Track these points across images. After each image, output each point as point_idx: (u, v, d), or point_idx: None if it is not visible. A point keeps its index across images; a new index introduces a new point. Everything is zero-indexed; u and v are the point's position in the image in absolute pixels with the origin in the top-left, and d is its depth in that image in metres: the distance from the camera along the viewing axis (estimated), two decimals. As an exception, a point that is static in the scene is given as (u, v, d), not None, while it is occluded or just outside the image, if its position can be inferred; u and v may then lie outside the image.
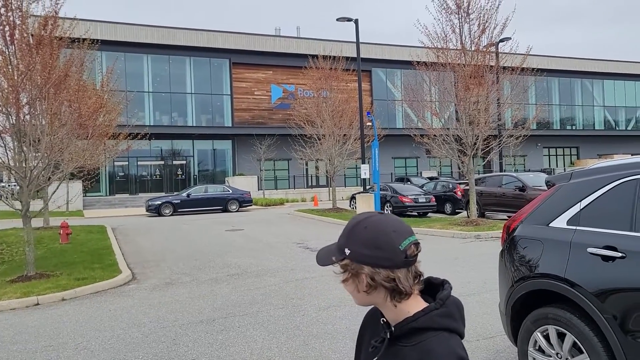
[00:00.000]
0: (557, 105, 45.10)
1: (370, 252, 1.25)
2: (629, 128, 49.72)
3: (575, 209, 3.43)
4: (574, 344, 3.30)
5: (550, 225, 3.57)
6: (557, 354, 3.43)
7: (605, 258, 3.10)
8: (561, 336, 3.39)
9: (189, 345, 5.50)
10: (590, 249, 3.19)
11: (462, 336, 1.28)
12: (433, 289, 1.35)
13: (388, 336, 1.31)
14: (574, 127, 47.60)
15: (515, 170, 34.48)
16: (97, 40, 14.56)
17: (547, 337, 3.47)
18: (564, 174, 3.73)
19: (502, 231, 4.04)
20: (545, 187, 14.08)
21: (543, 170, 35.24)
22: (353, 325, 5.92)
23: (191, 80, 36.88)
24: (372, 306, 1.43)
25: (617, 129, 49.19)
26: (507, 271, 3.86)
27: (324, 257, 1.35)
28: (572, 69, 45.41)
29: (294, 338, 5.53)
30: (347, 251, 1.28)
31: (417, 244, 1.28)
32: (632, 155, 41.86)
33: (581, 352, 3.26)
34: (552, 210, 3.61)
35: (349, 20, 20.86)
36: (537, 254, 3.55)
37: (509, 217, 9.52)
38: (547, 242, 3.53)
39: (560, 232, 3.46)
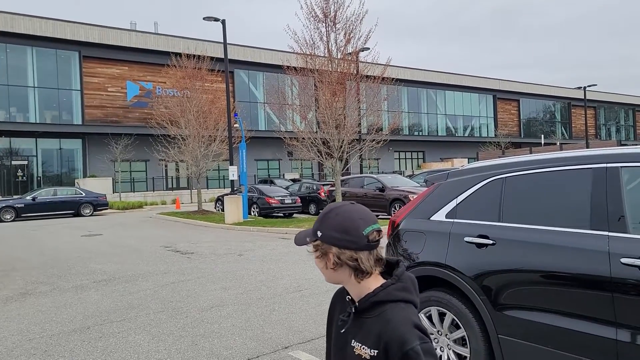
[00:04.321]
0: (406, 113, 48.92)
1: (339, 235, 1.47)
2: (466, 135, 55.70)
3: (453, 204, 3.92)
4: (453, 321, 3.77)
5: (431, 219, 4.02)
6: (438, 331, 3.88)
7: (479, 245, 3.60)
8: (442, 316, 3.85)
9: (65, 355, 5.13)
10: (466, 238, 3.67)
11: (417, 306, 1.51)
12: (391, 268, 1.57)
13: (353, 310, 1.50)
14: (420, 133, 52.01)
15: (370, 172, 36.73)
16: None
17: (429, 317, 3.90)
18: (442, 173, 4.22)
19: (387, 226, 4.43)
20: (402, 188, 15.11)
21: (395, 172, 38.06)
22: (239, 322, 6.00)
23: (34, 72, 33.53)
24: (339, 288, 1.63)
25: (456, 135, 54.81)
26: (394, 261, 4.25)
27: (301, 238, 1.56)
28: (419, 80, 49.64)
29: (181, 339, 5.45)
30: (319, 234, 1.50)
31: (379, 231, 1.50)
32: (468, 159, 46.68)
33: (458, 328, 3.74)
34: (432, 205, 4.07)
35: (216, 20, 20.61)
36: (421, 245, 3.98)
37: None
38: (429, 234, 3.97)
39: (440, 225, 3.92)
